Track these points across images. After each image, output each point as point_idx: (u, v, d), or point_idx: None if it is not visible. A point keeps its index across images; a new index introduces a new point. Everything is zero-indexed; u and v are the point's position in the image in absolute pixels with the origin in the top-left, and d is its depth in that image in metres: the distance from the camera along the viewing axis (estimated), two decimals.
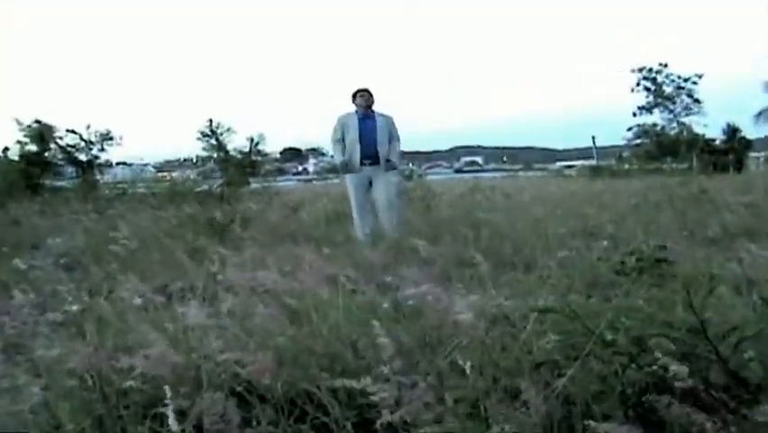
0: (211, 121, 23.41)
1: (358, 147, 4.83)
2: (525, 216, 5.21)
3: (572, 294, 2.29)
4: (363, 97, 4.92)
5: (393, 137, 4.96)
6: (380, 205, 4.80)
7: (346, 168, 4.89)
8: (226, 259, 3.21)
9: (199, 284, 2.73)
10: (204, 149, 24.09)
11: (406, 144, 5.40)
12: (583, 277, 2.83)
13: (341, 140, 4.91)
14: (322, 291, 2.15)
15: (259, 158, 22.96)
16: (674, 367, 1.26)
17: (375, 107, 4.97)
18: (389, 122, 4.97)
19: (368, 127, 4.86)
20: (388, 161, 4.92)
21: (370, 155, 4.84)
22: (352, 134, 4.85)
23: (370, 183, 4.87)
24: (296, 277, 2.29)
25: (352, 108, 5.00)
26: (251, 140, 23.28)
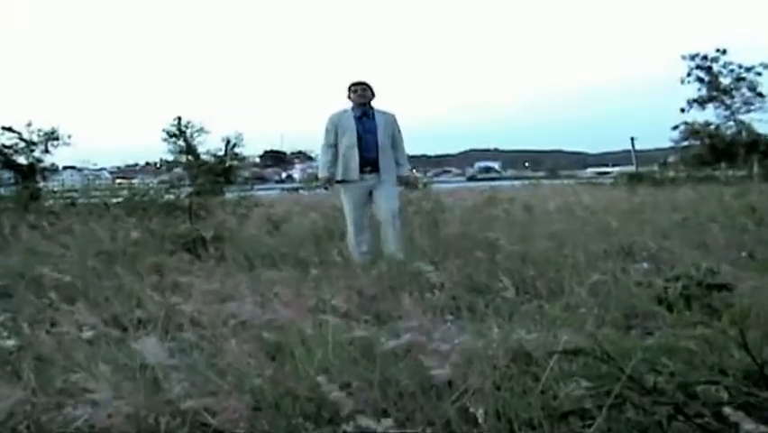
0: (179, 119, 23.52)
1: (356, 152, 4.77)
2: (551, 232, 5.20)
3: (605, 328, 2.28)
4: (358, 93, 4.83)
5: (397, 140, 4.93)
6: (383, 220, 4.76)
7: (327, 183, 4.87)
8: (195, 284, 3.20)
9: (161, 314, 2.73)
10: (170, 152, 24.22)
11: (409, 147, 5.38)
12: (619, 306, 2.83)
13: (333, 145, 4.84)
14: (307, 324, 2.14)
15: (235, 162, 23.04)
16: (733, 416, 1.24)
17: (374, 104, 4.93)
18: (391, 121, 4.92)
19: (367, 128, 4.81)
20: (401, 173, 4.94)
21: (371, 161, 4.79)
22: (349, 137, 4.79)
23: (370, 194, 4.83)
24: (276, 306, 2.28)
25: (345, 105, 4.93)
26: (227, 141, 23.38)
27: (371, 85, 4.90)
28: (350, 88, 4.87)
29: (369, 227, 4.85)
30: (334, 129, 4.84)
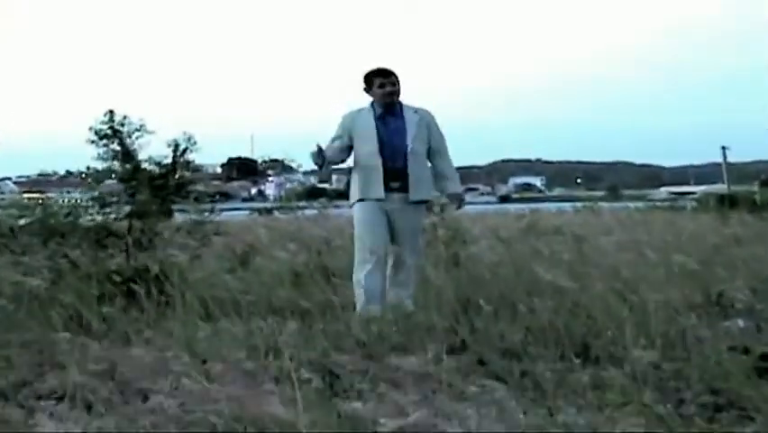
0: (111, 113, 23.72)
1: (379, 162, 4.75)
2: (610, 275, 5.16)
3: (684, 407, 2.27)
4: (386, 88, 4.81)
5: (440, 146, 4.95)
6: (397, 257, 4.79)
7: (319, 156, 4.72)
8: (130, 341, 3.19)
9: (82, 379, 2.72)
10: (100, 157, 24.32)
11: None
12: (702, 379, 2.81)
13: (346, 149, 4.88)
14: (277, 409, 2.14)
15: (188, 174, 23.06)
16: None
17: (402, 99, 4.94)
18: (427, 121, 4.94)
19: (392, 130, 4.83)
20: (452, 190, 4.95)
21: (399, 174, 4.76)
22: (369, 143, 4.80)
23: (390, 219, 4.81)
24: (237, 379, 2.29)
25: (362, 102, 4.96)
26: (176, 146, 23.44)
27: (398, 75, 4.88)
28: (370, 80, 4.86)
29: (386, 265, 4.79)
30: (348, 132, 4.86)
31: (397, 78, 4.85)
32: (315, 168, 5.02)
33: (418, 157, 4.80)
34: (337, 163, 5.07)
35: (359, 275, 4.68)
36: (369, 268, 4.65)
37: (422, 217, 4.98)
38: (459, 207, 5.11)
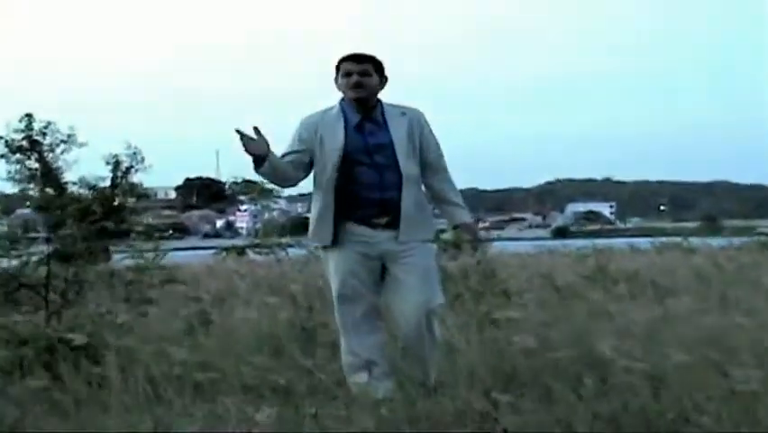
0: (29, 118, 23.61)
1: (357, 190, 4.78)
2: (709, 347, 4.94)
3: None
4: (350, 74, 4.73)
5: (433, 158, 4.93)
6: (406, 322, 4.77)
7: (261, 161, 4.54)
8: None
9: None
10: (11, 177, 24.14)
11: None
12: None
13: (303, 166, 4.82)
14: None
15: (132, 200, 22.92)
16: None
17: (385, 96, 4.90)
18: (420, 126, 4.90)
19: (374, 144, 4.79)
20: (460, 220, 4.92)
21: (387, 206, 4.75)
22: (335, 161, 4.77)
23: (383, 268, 4.84)
24: None
25: (331, 100, 4.91)
26: (116, 163, 23.16)
27: (380, 61, 4.84)
28: (338, 67, 4.82)
29: (379, 329, 4.85)
30: (308, 142, 4.77)
31: (375, 66, 4.80)
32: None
33: (412, 180, 4.80)
34: (291, 183, 4.97)
35: (344, 351, 4.84)
36: (352, 339, 4.79)
37: (429, 255, 4.88)
38: (475, 244, 5.17)
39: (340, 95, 4.84)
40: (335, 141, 4.72)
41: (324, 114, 4.82)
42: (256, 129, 4.51)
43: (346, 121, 4.78)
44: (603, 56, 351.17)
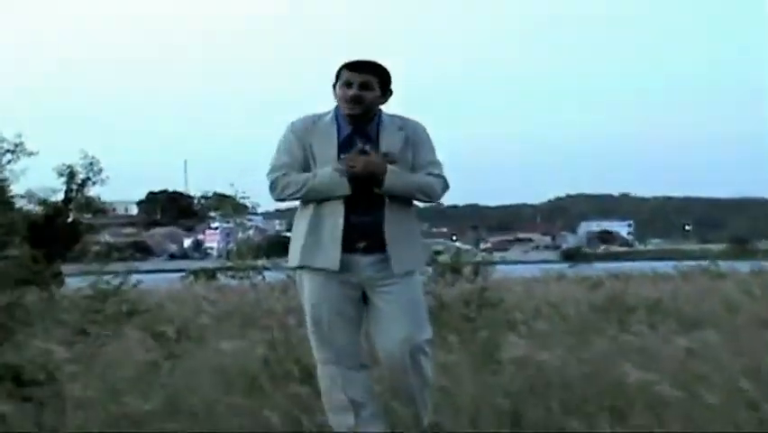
0: None
1: (339, 209, 4.68)
2: (736, 379, 5.01)
3: None
4: (350, 84, 4.65)
5: (421, 169, 4.83)
6: (390, 359, 4.70)
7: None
8: None
9: None
10: None
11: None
12: None
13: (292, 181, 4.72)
14: None
15: (87, 216, 22.73)
16: None
17: (386, 107, 4.84)
18: (414, 138, 4.86)
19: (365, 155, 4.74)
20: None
21: (369, 230, 4.70)
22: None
23: (364, 300, 4.76)
24: None
25: (320, 106, 4.91)
26: (70, 174, 22.90)
27: (387, 72, 4.76)
28: (339, 74, 4.73)
29: (363, 366, 4.81)
30: (299, 150, 4.75)
31: (380, 78, 4.73)
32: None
33: (398, 203, 4.76)
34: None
35: (324, 390, 4.78)
36: (331, 379, 4.73)
37: (416, 286, 4.87)
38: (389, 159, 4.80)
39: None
40: (329, 148, 4.74)
41: (317, 121, 4.83)
42: (364, 150, 4.65)
43: (339, 132, 4.80)
44: (623, 55, 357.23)
